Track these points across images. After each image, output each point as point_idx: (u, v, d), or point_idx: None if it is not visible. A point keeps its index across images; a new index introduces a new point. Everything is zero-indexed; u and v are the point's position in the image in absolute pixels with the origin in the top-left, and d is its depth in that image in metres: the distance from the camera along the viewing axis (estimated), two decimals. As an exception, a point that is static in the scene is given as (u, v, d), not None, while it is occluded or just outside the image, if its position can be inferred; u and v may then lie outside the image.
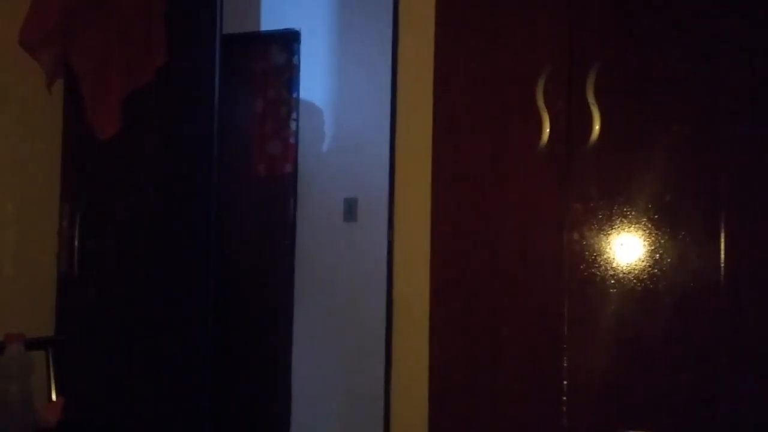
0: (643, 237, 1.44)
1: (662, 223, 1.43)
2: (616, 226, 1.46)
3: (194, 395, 2.25)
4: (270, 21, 3.20)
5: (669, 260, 1.42)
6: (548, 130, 1.49)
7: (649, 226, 1.44)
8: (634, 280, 1.44)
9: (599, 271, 1.46)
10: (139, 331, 2.19)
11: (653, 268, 1.43)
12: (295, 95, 3.15)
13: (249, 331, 3.13)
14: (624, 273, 1.45)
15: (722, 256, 1.38)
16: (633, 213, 1.45)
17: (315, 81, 3.17)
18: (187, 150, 2.33)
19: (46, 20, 2.01)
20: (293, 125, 3.15)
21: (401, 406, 1.87)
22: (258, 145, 3.19)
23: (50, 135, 2.19)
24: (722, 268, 1.38)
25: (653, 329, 1.43)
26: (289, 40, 3.16)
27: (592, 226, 1.47)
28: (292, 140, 3.15)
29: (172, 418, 2.19)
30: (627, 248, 1.45)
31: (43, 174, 2.17)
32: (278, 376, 3.12)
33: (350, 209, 3.07)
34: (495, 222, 1.56)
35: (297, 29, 3.15)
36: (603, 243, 1.47)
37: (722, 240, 1.38)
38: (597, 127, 1.46)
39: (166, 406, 2.19)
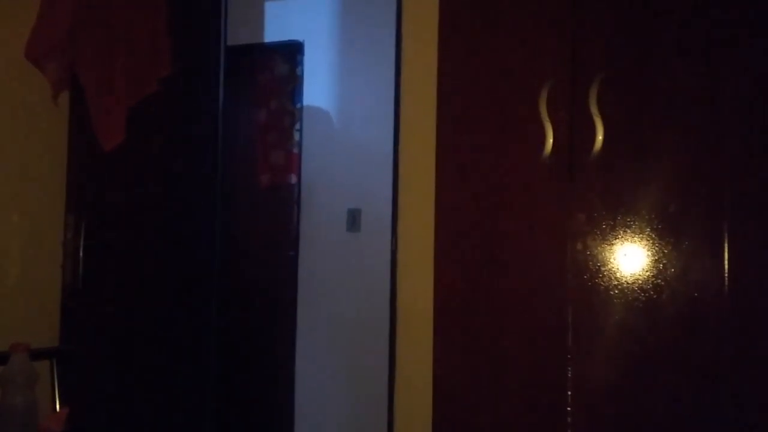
0: (646, 247, 1.44)
1: (666, 233, 1.43)
2: (620, 237, 1.46)
3: (198, 405, 2.25)
4: (274, 32, 3.21)
5: (673, 270, 1.42)
6: (551, 141, 1.50)
7: (653, 236, 1.44)
8: (638, 291, 1.44)
9: (603, 282, 1.46)
10: (143, 341, 2.19)
11: (657, 279, 1.43)
12: (298, 106, 3.16)
13: (252, 341, 3.13)
14: (628, 283, 1.45)
15: (726, 266, 1.38)
16: (636, 223, 1.45)
17: (318, 91, 3.18)
18: (191, 161, 2.34)
19: (52, 33, 2.02)
20: (297, 136, 3.16)
21: (405, 417, 1.87)
22: (261, 155, 3.20)
23: (56, 146, 2.20)
24: (726, 279, 1.38)
25: (657, 339, 1.42)
26: (293, 51, 3.17)
27: (596, 236, 1.47)
28: (295, 151, 3.15)
29: (175, 429, 2.19)
30: (631, 258, 1.45)
31: (49, 185, 2.18)
32: (281, 386, 3.12)
33: (354, 219, 3.08)
34: (498, 232, 1.56)
35: (300, 40, 3.16)
36: (606, 253, 1.47)
37: (726, 250, 1.38)
38: (600, 138, 1.46)
39: (169, 416, 2.19)
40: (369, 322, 2.90)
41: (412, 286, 1.88)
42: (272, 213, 3.20)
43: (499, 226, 1.56)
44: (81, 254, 2.13)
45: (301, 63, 3.16)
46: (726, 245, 1.38)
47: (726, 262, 1.38)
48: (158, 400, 2.19)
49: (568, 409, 1.45)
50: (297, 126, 3.15)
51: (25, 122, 2.10)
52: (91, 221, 2.16)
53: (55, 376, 1.92)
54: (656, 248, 1.44)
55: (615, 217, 1.46)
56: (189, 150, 2.33)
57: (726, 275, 1.38)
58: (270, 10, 3.22)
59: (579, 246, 1.48)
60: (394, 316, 1.90)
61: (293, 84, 3.17)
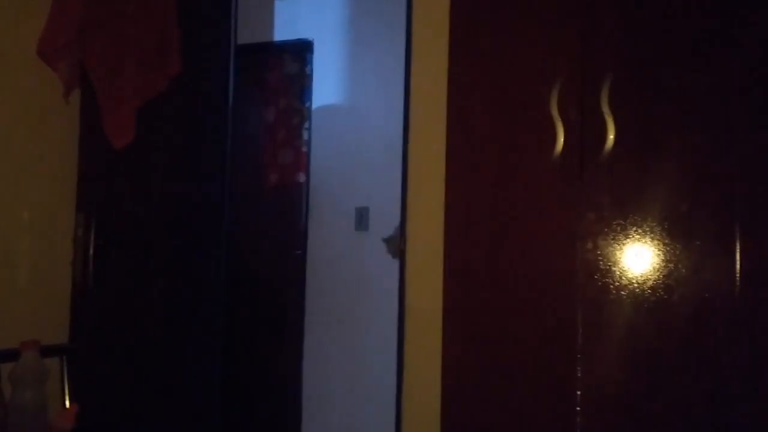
0: (657, 247, 1.44)
1: (676, 232, 1.43)
2: (630, 236, 1.46)
3: (206, 403, 2.25)
4: (283, 31, 3.22)
5: (683, 270, 1.42)
6: (562, 140, 1.50)
7: (663, 235, 1.44)
8: (648, 291, 1.43)
9: (613, 281, 1.46)
10: (153, 338, 2.19)
11: (667, 278, 1.42)
12: (307, 104, 3.17)
13: (260, 339, 3.14)
14: (638, 283, 1.44)
15: (737, 266, 1.38)
16: (647, 223, 1.45)
17: (328, 90, 3.19)
18: (200, 159, 2.34)
19: (64, 32, 2.03)
20: (305, 134, 3.16)
21: (413, 417, 1.87)
22: (270, 154, 3.20)
23: (67, 144, 2.20)
24: (737, 278, 1.37)
25: (668, 339, 1.42)
26: (302, 49, 3.18)
27: (606, 236, 1.47)
28: (304, 149, 3.16)
29: (184, 426, 2.19)
30: (641, 258, 1.45)
31: (59, 183, 2.19)
32: (289, 384, 3.12)
33: (362, 218, 3.08)
34: (508, 231, 1.56)
35: (310, 39, 3.17)
36: (617, 253, 1.46)
37: (737, 250, 1.38)
38: (611, 137, 1.46)
39: (177, 414, 2.20)
40: (377, 320, 2.91)
41: (421, 285, 1.88)
42: (280, 211, 3.21)
43: (509, 226, 1.56)
44: (91, 251, 2.13)
45: (310, 62, 3.16)
46: (737, 245, 1.38)
47: (737, 262, 1.37)
48: (167, 397, 2.20)
49: (578, 408, 1.45)
50: (306, 125, 3.15)
51: (36, 120, 2.11)
52: (101, 219, 2.17)
53: (65, 372, 1.93)
54: (667, 248, 1.43)
55: (625, 217, 1.46)
56: (198, 148, 2.33)
57: (737, 275, 1.37)
58: (280, 9, 3.22)
59: (589, 245, 1.48)
60: (402, 315, 1.90)
61: (302, 83, 3.17)
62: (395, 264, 1.95)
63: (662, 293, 1.42)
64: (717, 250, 1.40)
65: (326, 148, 3.17)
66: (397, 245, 2.53)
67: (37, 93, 2.11)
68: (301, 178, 3.15)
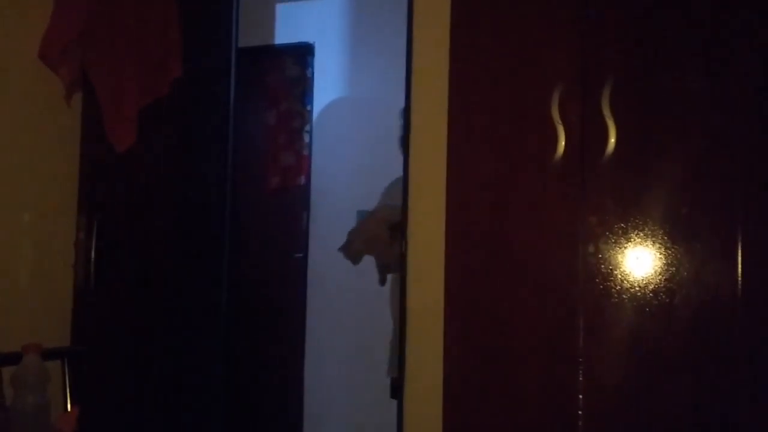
0: (658, 250, 1.44)
1: (678, 236, 1.43)
2: (632, 240, 1.46)
3: (207, 406, 2.26)
4: (284, 34, 3.23)
5: (685, 274, 1.42)
6: (563, 143, 1.50)
7: (665, 239, 1.44)
8: (650, 294, 1.43)
9: (615, 285, 1.46)
10: (155, 342, 2.20)
11: (669, 282, 1.42)
12: (308, 107, 3.17)
13: (262, 341, 3.14)
14: (640, 286, 1.44)
15: (739, 269, 1.38)
16: (648, 226, 1.45)
17: (329, 93, 3.19)
18: (201, 162, 2.35)
19: (65, 34, 2.03)
20: (306, 137, 3.17)
21: (415, 422, 1.87)
22: (271, 157, 3.21)
23: (68, 147, 2.20)
24: (739, 282, 1.37)
25: (669, 343, 1.42)
26: (303, 52, 3.18)
27: (608, 239, 1.47)
28: (305, 152, 3.16)
29: (185, 428, 2.20)
30: (642, 261, 1.45)
31: (61, 185, 2.19)
32: (290, 387, 3.12)
33: (363, 221, 3.08)
34: (510, 235, 1.56)
35: (311, 42, 3.17)
36: (618, 256, 1.46)
37: (739, 253, 1.38)
38: (612, 140, 1.46)
39: (180, 417, 2.20)
40: (378, 323, 2.90)
41: (423, 288, 1.88)
42: (281, 215, 3.21)
43: (510, 229, 1.56)
44: (93, 254, 2.13)
45: (311, 65, 3.17)
46: (739, 248, 1.38)
47: (739, 264, 1.37)
48: (169, 400, 2.20)
49: (579, 412, 1.45)
50: (307, 127, 3.16)
51: (37, 122, 2.11)
52: (102, 221, 2.17)
53: (67, 376, 1.92)
54: (668, 251, 1.43)
55: (627, 220, 1.46)
56: (200, 151, 2.34)
57: (739, 278, 1.37)
58: (281, 13, 3.23)
59: (591, 249, 1.48)
60: (403, 317, 1.90)
61: (303, 86, 3.18)
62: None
63: (664, 296, 1.42)
64: (718, 253, 1.40)
65: (327, 151, 3.18)
66: (355, 250, 2.54)
67: (39, 95, 2.11)
68: (302, 180, 3.16)
